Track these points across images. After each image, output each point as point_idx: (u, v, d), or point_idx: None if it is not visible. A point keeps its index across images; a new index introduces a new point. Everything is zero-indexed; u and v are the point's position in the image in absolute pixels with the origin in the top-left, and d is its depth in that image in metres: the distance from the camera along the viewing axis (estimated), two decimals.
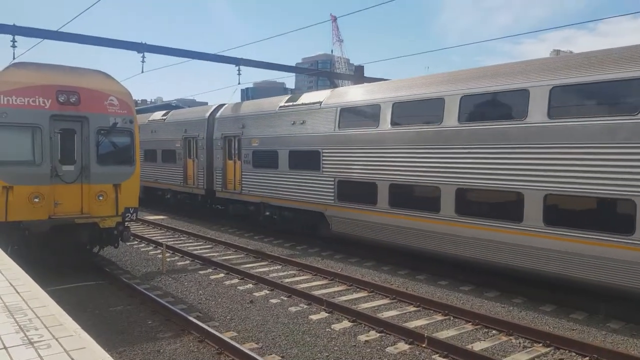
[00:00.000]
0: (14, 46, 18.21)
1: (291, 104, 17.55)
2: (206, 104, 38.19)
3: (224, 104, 22.30)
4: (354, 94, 15.57)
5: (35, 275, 6.27)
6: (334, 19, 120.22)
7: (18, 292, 5.31)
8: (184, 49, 22.66)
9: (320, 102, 16.23)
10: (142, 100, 79.72)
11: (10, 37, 18.18)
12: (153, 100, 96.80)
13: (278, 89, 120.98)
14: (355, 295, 11.32)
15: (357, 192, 14.60)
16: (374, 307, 10.49)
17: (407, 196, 13.23)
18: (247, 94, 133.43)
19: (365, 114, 14.67)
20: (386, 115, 13.74)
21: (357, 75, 32.19)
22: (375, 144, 14.01)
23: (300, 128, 16.68)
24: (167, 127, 25.08)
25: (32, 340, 3.95)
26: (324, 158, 15.65)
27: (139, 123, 26.73)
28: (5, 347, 3.82)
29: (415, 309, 10.38)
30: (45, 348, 3.79)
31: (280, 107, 17.94)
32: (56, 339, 3.97)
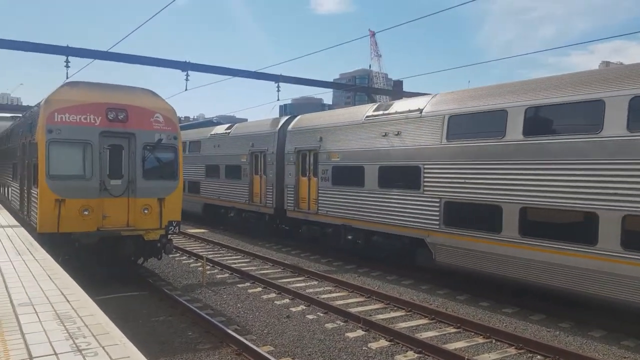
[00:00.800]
0: (67, 66, 19.16)
1: (381, 112, 15.51)
2: (246, 120, 38.83)
3: (296, 116, 20.90)
4: (465, 99, 13.19)
5: (83, 284, 6.57)
6: (372, 34, 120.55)
7: (68, 301, 5.58)
8: (226, 67, 23.20)
9: (420, 110, 14.06)
10: (185, 117, 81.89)
11: (64, 57, 19.18)
12: (195, 117, 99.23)
13: (316, 105, 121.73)
14: (392, 314, 11.22)
15: (472, 216, 12.40)
16: (412, 326, 10.36)
17: (547, 223, 11.08)
18: (286, 109, 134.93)
19: (485, 123, 12.40)
20: (516, 123, 11.56)
21: (396, 90, 32.22)
22: (500, 158, 11.82)
23: (393, 140, 14.65)
24: (231, 141, 23.57)
25: (80, 348, 4.16)
26: (425, 175, 13.49)
27: (200, 138, 26.70)
28: (55, 354, 4.04)
29: (455, 330, 10.16)
30: (92, 356, 3.99)
31: (367, 116, 15.85)
32: (102, 347, 4.17)
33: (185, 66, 21.09)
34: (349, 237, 16.35)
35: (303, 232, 19.05)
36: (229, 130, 24.31)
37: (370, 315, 10.86)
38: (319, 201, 17.54)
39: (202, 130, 28.28)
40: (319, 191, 17.57)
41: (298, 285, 13.60)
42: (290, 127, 19.81)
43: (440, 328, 10.31)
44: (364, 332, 9.87)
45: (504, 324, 10.60)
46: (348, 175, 16.25)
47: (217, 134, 25.29)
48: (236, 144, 23.13)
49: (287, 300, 12.13)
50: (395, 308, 11.64)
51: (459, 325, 10.31)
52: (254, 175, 21.78)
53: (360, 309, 11.45)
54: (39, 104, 12.75)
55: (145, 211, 12.56)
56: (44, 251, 8.83)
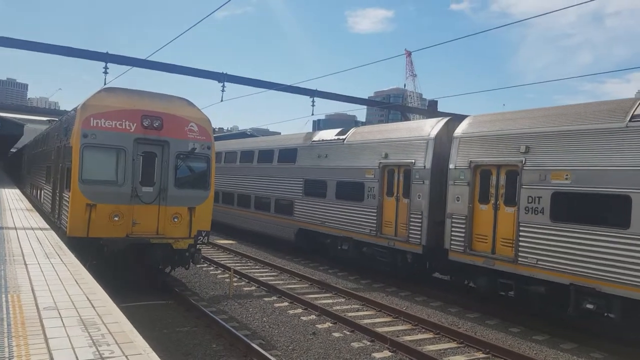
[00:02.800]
0: (105, 72, 19.59)
1: None
2: (279, 133, 38.94)
3: (465, 116, 15.29)
4: None
5: (110, 290, 6.50)
6: (409, 54, 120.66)
7: (94, 307, 5.50)
8: (261, 79, 23.43)
9: None
10: (219, 128, 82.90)
11: (102, 64, 19.63)
12: (229, 129, 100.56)
13: (349, 122, 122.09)
14: (420, 336, 10.87)
15: None
16: (440, 350, 10.01)
17: None
18: (319, 124, 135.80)
19: None
20: None
21: (431, 110, 31.87)
22: None
23: None
24: (347, 150, 18.08)
25: (103, 356, 4.04)
26: None
27: (295, 146, 21.41)
28: None
29: (484, 355, 9.79)
30: None
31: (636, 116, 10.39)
32: (126, 357, 4.05)
33: (221, 77, 21.33)
34: (589, 306, 10.63)
35: (480, 285, 13.42)
36: (342, 137, 18.84)
37: (398, 336, 10.54)
38: (520, 243, 11.95)
39: (293, 136, 23.26)
40: (520, 228, 11.98)
41: (325, 301, 13.35)
42: (460, 131, 14.07)
43: (468, 353, 9.96)
44: (390, 353, 9.57)
45: (534, 351, 10.23)
46: (588, 207, 10.90)
47: (323, 140, 19.76)
48: (356, 154, 17.64)
49: (314, 316, 11.90)
50: (423, 330, 11.29)
51: (487, 350, 9.95)
52: (386, 197, 16.07)
53: (387, 329, 11.13)
54: (75, 108, 12.96)
55: (175, 220, 12.56)
56: (72, 255, 8.86)
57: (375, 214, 16.29)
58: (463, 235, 13.35)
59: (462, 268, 13.68)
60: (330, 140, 19.36)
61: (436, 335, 10.92)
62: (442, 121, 15.51)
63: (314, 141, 20.19)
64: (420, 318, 11.86)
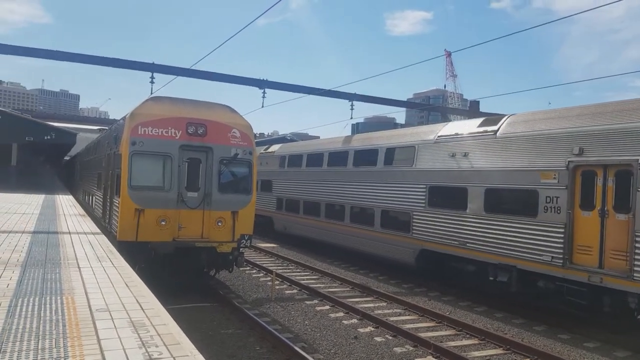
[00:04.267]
0: (152, 82, 20.29)
1: None
2: (318, 137, 39.04)
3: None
4: None
5: (157, 292, 6.71)
6: (448, 55, 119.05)
7: (143, 309, 5.69)
8: (301, 85, 23.65)
9: None
10: (259, 133, 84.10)
11: (149, 74, 20.33)
12: (270, 134, 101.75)
13: (389, 124, 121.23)
14: (464, 342, 10.68)
15: None
16: (485, 356, 9.81)
17: None
18: (358, 128, 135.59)
19: None
20: None
21: (472, 110, 31.32)
22: None
23: None
24: (504, 146, 13.36)
25: (152, 357, 4.18)
26: None
27: (413, 143, 16.69)
28: None
29: None
30: None
31: None
32: (174, 358, 4.17)
33: (262, 84, 21.71)
34: None
35: None
36: (492, 127, 13.95)
37: (441, 342, 10.39)
38: None
39: (405, 131, 19.41)
40: None
41: (366, 305, 13.31)
42: None
43: None
44: (434, 359, 9.42)
45: (585, 359, 9.83)
46: None
47: (457, 135, 14.92)
48: (519, 151, 12.96)
49: (355, 320, 11.88)
50: (467, 335, 11.08)
51: (535, 358, 9.69)
52: (580, 210, 11.47)
53: (430, 334, 10.99)
54: (124, 117, 13.45)
55: (219, 224, 12.82)
56: (122, 259, 9.18)
57: (560, 235, 11.57)
58: None
59: None
60: (472, 133, 14.46)
61: (481, 341, 10.70)
62: None
63: (441, 136, 15.52)
64: (465, 323, 11.65)
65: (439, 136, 15.69)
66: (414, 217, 15.89)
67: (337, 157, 20.90)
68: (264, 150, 27.94)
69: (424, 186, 15.68)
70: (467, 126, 15.10)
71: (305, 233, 22.72)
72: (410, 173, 16.45)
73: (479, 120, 14.90)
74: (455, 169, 14.63)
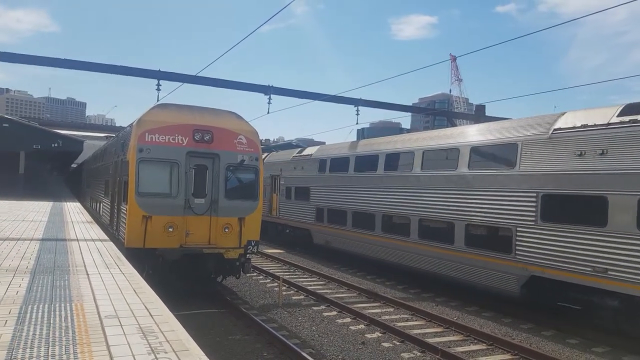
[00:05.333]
0: (158, 89, 20.40)
1: None
2: (323, 143, 39.05)
3: None
4: None
5: (165, 299, 6.74)
6: (454, 59, 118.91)
7: (151, 315, 5.72)
8: (307, 90, 23.71)
9: None
10: (265, 139, 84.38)
11: (155, 81, 20.47)
12: (275, 140, 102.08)
13: (394, 129, 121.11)
14: (472, 347, 10.63)
15: None
16: None
17: None
18: (363, 133, 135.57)
19: None
20: None
21: (478, 115, 31.29)
22: None
23: None
24: None
25: None
26: None
27: (526, 137, 12.89)
28: None
29: None
30: None
31: None
32: None
33: (267, 90, 21.79)
34: None
35: None
36: None
37: (449, 347, 10.35)
38: None
39: (502, 125, 14.81)
40: None
41: (374, 311, 13.28)
42: None
43: None
44: None
45: None
46: None
47: (585, 128, 11.62)
48: None
49: (363, 326, 11.86)
50: (475, 341, 11.03)
51: None
52: None
53: (438, 339, 10.95)
54: (131, 124, 13.53)
55: (226, 230, 12.85)
56: (130, 265, 9.23)
57: None
58: None
59: None
60: (610, 125, 11.08)
61: (489, 347, 10.65)
62: None
63: (560, 130, 12.07)
64: (472, 328, 11.60)
65: (555, 130, 12.15)
66: (519, 234, 12.52)
67: (398, 160, 17.67)
68: (297, 153, 25.61)
69: (534, 194, 12.25)
70: (599, 116, 11.55)
71: (354, 249, 19.56)
72: (512, 178, 12.97)
73: (617, 108, 11.38)
74: (585, 172, 11.26)
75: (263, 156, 24.44)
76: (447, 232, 14.75)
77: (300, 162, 24.39)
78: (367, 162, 19.24)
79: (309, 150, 24.88)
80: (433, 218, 15.49)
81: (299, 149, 26.80)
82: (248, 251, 13.19)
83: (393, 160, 17.84)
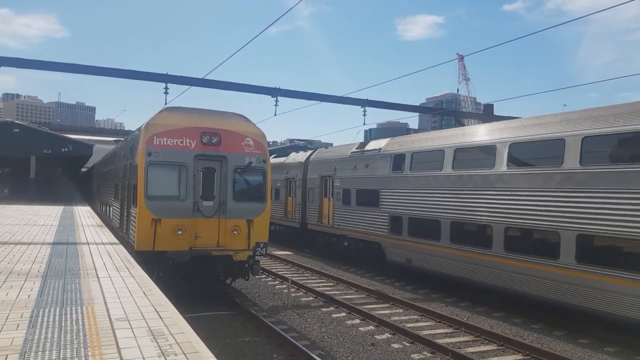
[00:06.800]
0: (166, 93, 20.52)
1: None
2: (331, 144, 39.02)
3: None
4: None
5: (175, 301, 6.77)
6: (461, 58, 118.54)
7: (161, 318, 5.75)
8: (314, 92, 23.75)
9: None
10: (272, 142, 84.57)
11: (163, 85, 20.58)
12: (282, 142, 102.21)
13: (401, 130, 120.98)
14: (483, 348, 10.58)
15: None
16: None
17: None
18: (371, 134, 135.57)
19: None
20: None
21: (486, 114, 31.17)
22: None
23: None
24: None
25: None
26: None
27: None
28: None
29: None
30: None
31: None
32: None
33: (275, 92, 21.84)
34: None
35: None
36: None
37: (459, 348, 10.31)
38: None
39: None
40: None
41: (383, 312, 13.26)
42: None
43: None
44: None
45: None
46: None
47: None
48: None
49: (372, 327, 11.85)
50: (486, 341, 10.98)
51: None
52: None
53: (448, 340, 10.91)
54: (139, 128, 13.61)
55: (235, 232, 12.90)
56: (140, 268, 9.28)
57: None
58: None
59: None
60: None
61: (500, 347, 10.60)
62: None
63: None
64: (483, 329, 11.55)
65: None
66: None
67: (533, 152, 13.14)
68: (357, 148, 20.87)
69: None
70: None
71: (454, 272, 14.84)
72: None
73: None
74: None
75: (308, 154, 24.03)
76: (629, 255, 10.37)
77: (363, 160, 19.90)
78: (476, 156, 14.72)
79: (376, 144, 20.04)
80: (596, 234, 10.98)
81: (360, 143, 21.68)
82: (257, 253, 13.21)
83: (526, 151, 13.27)
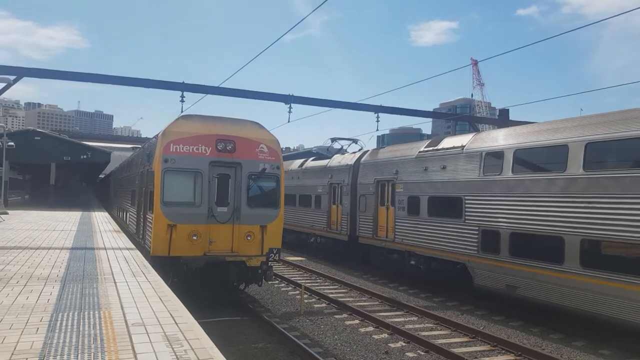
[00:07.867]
0: (182, 101, 20.73)
1: None
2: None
3: None
4: None
5: (189, 307, 6.83)
6: (475, 63, 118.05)
7: (176, 323, 5.81)
8: (327, 98, 23.76)
9: None
10: (285, 148, 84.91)
11: (179, 93, 20.81)
12: (295, 148, 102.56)
13: (415, 135, 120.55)
14: (500, 358, 10.44)
15: None
16: None
17: None
18: (384, 140, 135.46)
19: None
20: None
21: (502, 119, 30.88)
22: None
23: None
24: None
25: None
26: None
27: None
28: None
29: None
30: None
31: None
32: None
33: (288, 99, 21.94)
34: None
35: None
36: None
37: (476, 358, 10.21)
38: None
39: None
40: None
41: (397, 319, 13.18)
42: None
43: None
44: None
45: None
46: None
47: None
48: None
49: (386, 335, 11.78)
50: (503, 351, 10.81)
51: None
52: None
53: (464, 349, 10.79)
54: (156, 135, 13.80)
55: (248, 238, 12.97)
56: (155, 273, 9.38)
57: None
58: None
59: None
60: None
61: (517, 357, 10.42)
62: None
63: None
64: (500, 338, 11.37)
65: None
66: None
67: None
68: (427, 147, 17.59)
69: None
70: None
71: (592, 308, 11.16)
72: None
73: None
74: None
75: (358, 155, 22.60)
76: None
77: (437, 160, 16.57)
78: (617, 154, 11.36)
79: (456, 141, 16.42)
80: None
81: (430, 140, 18.46)
82: (270, 259, 13.29)
83: None
